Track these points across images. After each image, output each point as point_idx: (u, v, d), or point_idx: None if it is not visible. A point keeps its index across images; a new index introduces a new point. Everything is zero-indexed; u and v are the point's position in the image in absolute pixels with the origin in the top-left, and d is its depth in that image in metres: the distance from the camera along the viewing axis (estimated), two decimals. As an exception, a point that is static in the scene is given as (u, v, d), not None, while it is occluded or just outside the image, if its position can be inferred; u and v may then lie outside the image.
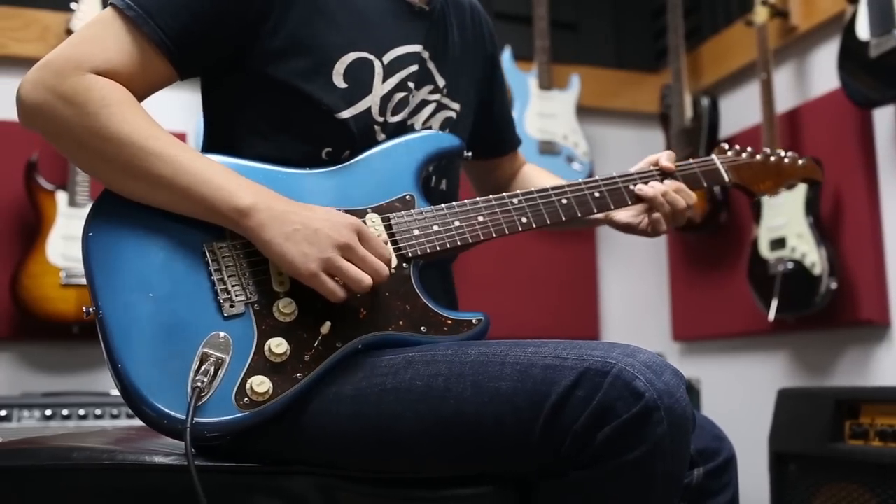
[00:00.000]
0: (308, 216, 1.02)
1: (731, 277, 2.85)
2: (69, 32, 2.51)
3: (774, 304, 2.46)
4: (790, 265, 2.43)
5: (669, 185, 1.31)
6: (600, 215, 1.33)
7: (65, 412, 2.15)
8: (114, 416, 2.18)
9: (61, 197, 2.43)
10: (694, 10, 3.16)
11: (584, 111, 3.11)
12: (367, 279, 1.01)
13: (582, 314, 3.13)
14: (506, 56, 2.99)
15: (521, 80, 3.00)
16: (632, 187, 1.29)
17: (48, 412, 2.14)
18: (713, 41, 3.07)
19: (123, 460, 1.00)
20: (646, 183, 1.30)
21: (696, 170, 1.36)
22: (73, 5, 2.50)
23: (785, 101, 2.70)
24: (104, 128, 1.01)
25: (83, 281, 2.33)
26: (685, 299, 3.16)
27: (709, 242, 2.99)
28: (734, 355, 2.94)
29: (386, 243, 1.09)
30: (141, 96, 1.08)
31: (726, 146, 1.42)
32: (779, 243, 2.47)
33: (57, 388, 2.44)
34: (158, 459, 1.00)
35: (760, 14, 2.61)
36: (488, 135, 1.45)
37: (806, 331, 2.59)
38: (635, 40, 3.36)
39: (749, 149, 1.43)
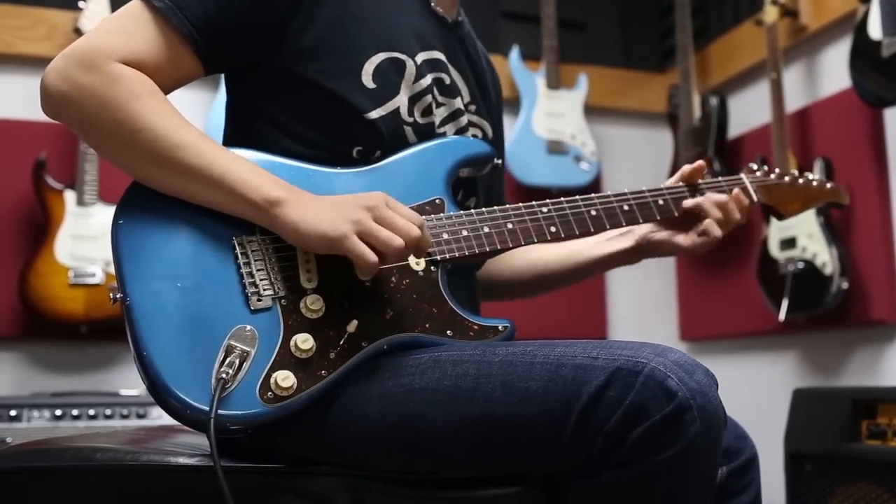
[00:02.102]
0: (335, 201, 1.02)
1: (740, 277, 2.84)
2: (77, 31, 2.50)
3: (785, 303, 2.45)
4: (801, 265, 2.42)
5: (716, 197, 1.29)
6: (628, 245, 1.33)
7: (75, 412, 2.15)
8: (124, 417, 2.17)
9: (69, 196, 2.41)
10: (702, 10, 3.15)
11: (592, 111, 3.10)
12: (398, 240, 0.98)
13: (590, 314, 3.11)
14: (514, 55, 2.98)
15: (528, 79, 2.99)
16: (661, 202, 1.27)
17: (58, 412, 2.13)
18: (721, 40, 3.06)
19: (148, 461, 0.99)
20: (683, 198, 1.28)
21: (724, 187, 1.34)
22: (80, 4, 2.49)
23: (795, 100, 2.69)
24: (134, 118, 1.00)
25: (91, 280, 2.36)
26: (693, 299, 3.15)
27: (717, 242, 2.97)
28: (743, 355, 2.93)
29: None
30: (166, 90, 1.07)
31: (755, 166, 1.41)
32: (789, 243, 2.46)
33: (65, 388, 2.43)
34: (182, 460, 0.99)
35: (770, 13, 2.60)
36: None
37: (817, 331, 2.58)
38: (643, 40, 3.35)
39: (777, 170, 1.42)
